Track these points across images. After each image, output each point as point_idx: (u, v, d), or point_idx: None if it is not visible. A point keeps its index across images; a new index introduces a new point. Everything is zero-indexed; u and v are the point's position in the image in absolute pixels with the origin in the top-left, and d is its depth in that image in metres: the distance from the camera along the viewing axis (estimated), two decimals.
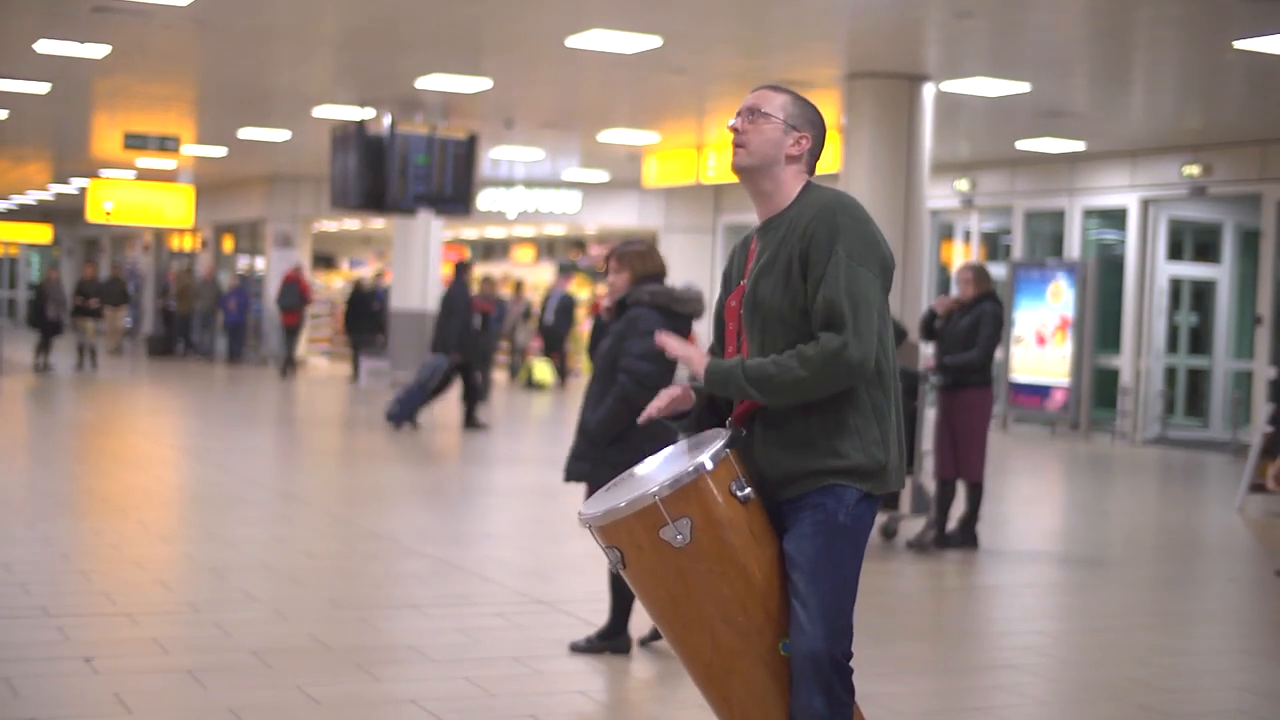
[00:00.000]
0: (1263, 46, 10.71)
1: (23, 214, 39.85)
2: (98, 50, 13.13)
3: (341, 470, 12.14)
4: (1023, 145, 17.21)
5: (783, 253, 3.28)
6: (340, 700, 5.00)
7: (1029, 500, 12.17)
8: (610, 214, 25.69)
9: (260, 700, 4.94)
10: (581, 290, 25.12)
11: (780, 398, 3.23)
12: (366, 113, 16.07)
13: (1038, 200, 18.64)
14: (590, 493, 5.43)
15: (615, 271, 5.70)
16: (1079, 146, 17.12)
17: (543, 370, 22.44)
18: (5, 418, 15.31)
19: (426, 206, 16.40)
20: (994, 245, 20.11)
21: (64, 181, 28.96)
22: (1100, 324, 17.61)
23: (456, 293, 15.04)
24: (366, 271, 28.11)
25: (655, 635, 5.79)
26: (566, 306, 22.95)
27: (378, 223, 28.00)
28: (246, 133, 19.46)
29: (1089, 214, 18.13)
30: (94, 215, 25.46)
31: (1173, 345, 17.96)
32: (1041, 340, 17.51)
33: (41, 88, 15.68)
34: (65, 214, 38.65)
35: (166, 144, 19.29)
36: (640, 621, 5.90)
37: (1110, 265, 17.87)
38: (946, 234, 20.49)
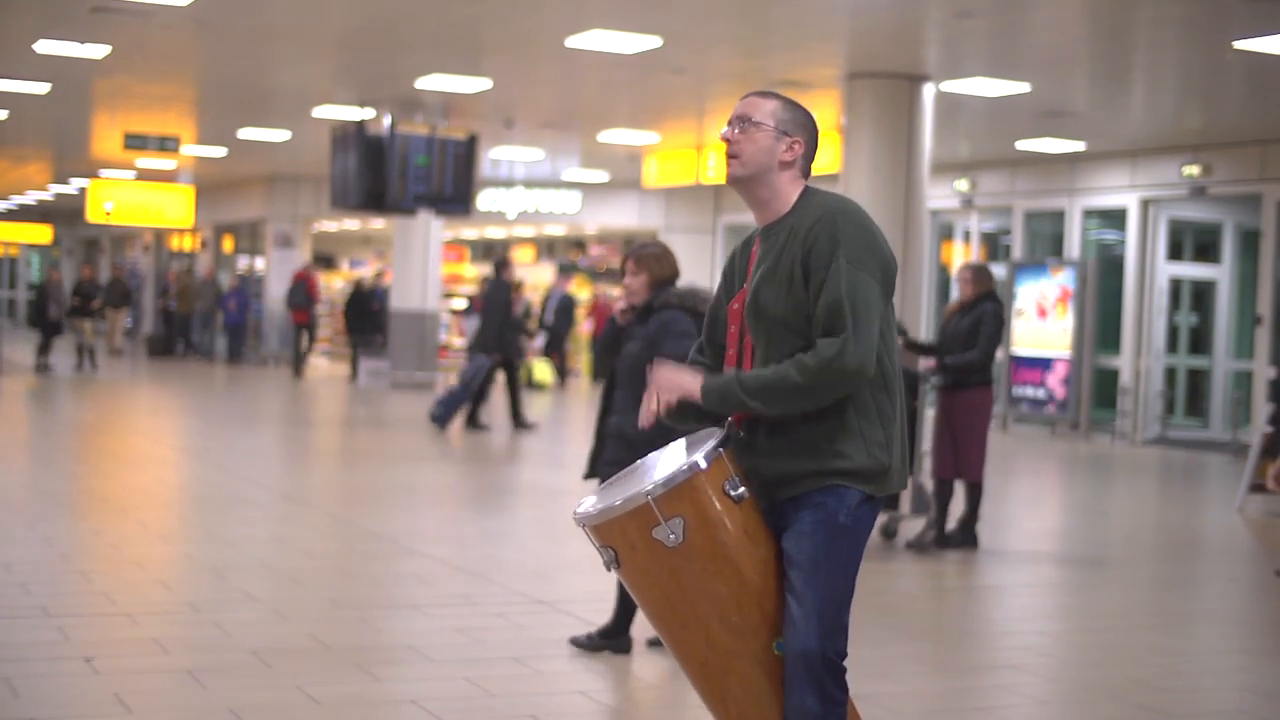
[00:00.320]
0: (1263, 46, 10.71)
1: (23, 214, 39.85)
2: (97, 50, 13.13)
3: (341, 470, 12.14)
4: (1023, 145, 17.21)
5: (784, 260, 3.28)
6: (340, 700, 5.00)
7: (1029, 500, 12.17)
8: (610, 214, 25.69)
9: (260, 700, 4.94)
10: (581, 290, 25.11)
11: (781, 407, 3.22)
12: (366, 113, 16.07)
13: (1038, 200, 18.64)
14: None
15: (633, 274, 5.71)
16: (1079, 146, 17.13)
17: (542, 370, 22.44)
18: (5, 418, 15.31)
19: (426, 207, 16.40)
20: (994, 245, 20.11)
21: (64, 181, 28.96)
22: (1100, 324, 17.62)
23: (496, 291, 15.04)
24: (366, 271, 28.11)
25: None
26: (566, 307, 22.95)
27: (378, 223, 28.00)
28: (246, 133, 19.46)
29: (1089, 214, 18.14)
30: (94, 215, 25.46)
31: (1173, 345, 17.96)
32: (1043, 312, 17.54)
33: (41, 88, 15.69)
34: (65, 214, 38.65)
35: (166, 144, 19.30)
36: (647, 623, 5.89)
37: (1110, 265, 17.88)
38: (946, 234, 20.49)
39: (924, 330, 17.11)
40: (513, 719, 4.91)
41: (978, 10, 10.29)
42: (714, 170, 18.92)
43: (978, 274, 8.77)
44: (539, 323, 23.44)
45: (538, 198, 25.28)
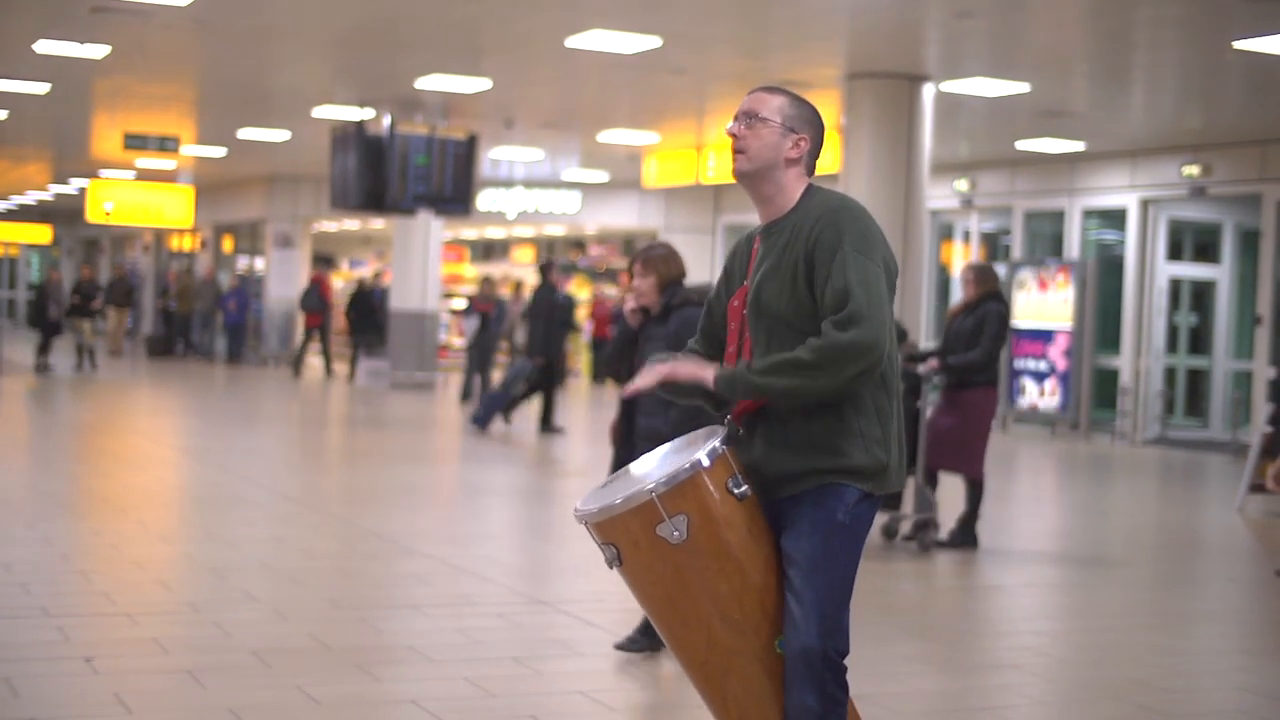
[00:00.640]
0: (1263, 46, 10.71)
1: (23, 214, 39.85)
2: (97, 50, 13.13)
3: (341, 470, 12.14)
4: (1022, 145, 17.21)
5: (787, 258, 3.27)
6: (340, 700, 5.00)
7: (1029, 500, 12.17)
8: (610, 214, 25.69)
9: (260, 700, 4.94)
10: (581, 291, 25.11)
11: (790, 389, 3.18)
12: (366, 113, 16.07)
13: (1037, 200, 18.64)
14: None
15: (641, 275, 5.75)
16: (1079, 147, 17.13)
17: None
18: (5, 418, 15.31)
19: (426, 207, 16.40)
20: (994, 245, 20.11)
21: (64, 182, 28.97)
22: (1100, 324, 17.62)
23: (543, 295, 15.05)
24: (366, 271, 28.13)
25: None
26: (566, 307, 22.91)
27: (378, 223, 28.00)
28: (246, 133, 19.47)
29: (1089, 214, 18.14)
30: (94, 215, 25.47)
31: (1172, 345, 17.97)
32: (1044, 285, 17.55)
33: (41, 88, 15.69)
34: (65, 214, 38.66)
35: (166, 144, 19.30)
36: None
37: (1110, 265, 17.88)
38: (946, 234, 20.49)
39: (923, 331, 17.11)
40: (513, 719, 4.91)
41: (978, 10, 10.29)
42: (714, 170, 18.92)
43: (980, 274, 8.75)
44: None
45: (537, 198, 25.28)
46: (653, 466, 3.33)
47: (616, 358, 5.96)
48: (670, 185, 20.98)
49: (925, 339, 17.72)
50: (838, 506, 3.23)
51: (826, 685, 3.19)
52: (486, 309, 18.82)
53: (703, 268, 23.73)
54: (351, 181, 16.00)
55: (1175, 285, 17.86)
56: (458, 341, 24.62)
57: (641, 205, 25.21)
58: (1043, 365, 17.46)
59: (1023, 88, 13.09)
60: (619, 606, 6.45)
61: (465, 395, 18.72)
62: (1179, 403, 18.15)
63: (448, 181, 16.20)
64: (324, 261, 26.98)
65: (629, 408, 5.84)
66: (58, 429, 14.91)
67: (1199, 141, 16.32)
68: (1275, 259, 15.81)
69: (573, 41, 11.84)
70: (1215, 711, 5.52)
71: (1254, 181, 16.15)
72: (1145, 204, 17.31)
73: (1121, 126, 15.69)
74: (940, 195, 18.84)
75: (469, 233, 29.83)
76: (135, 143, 19.03)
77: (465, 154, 16.30)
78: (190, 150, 21.55)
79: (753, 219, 3.46)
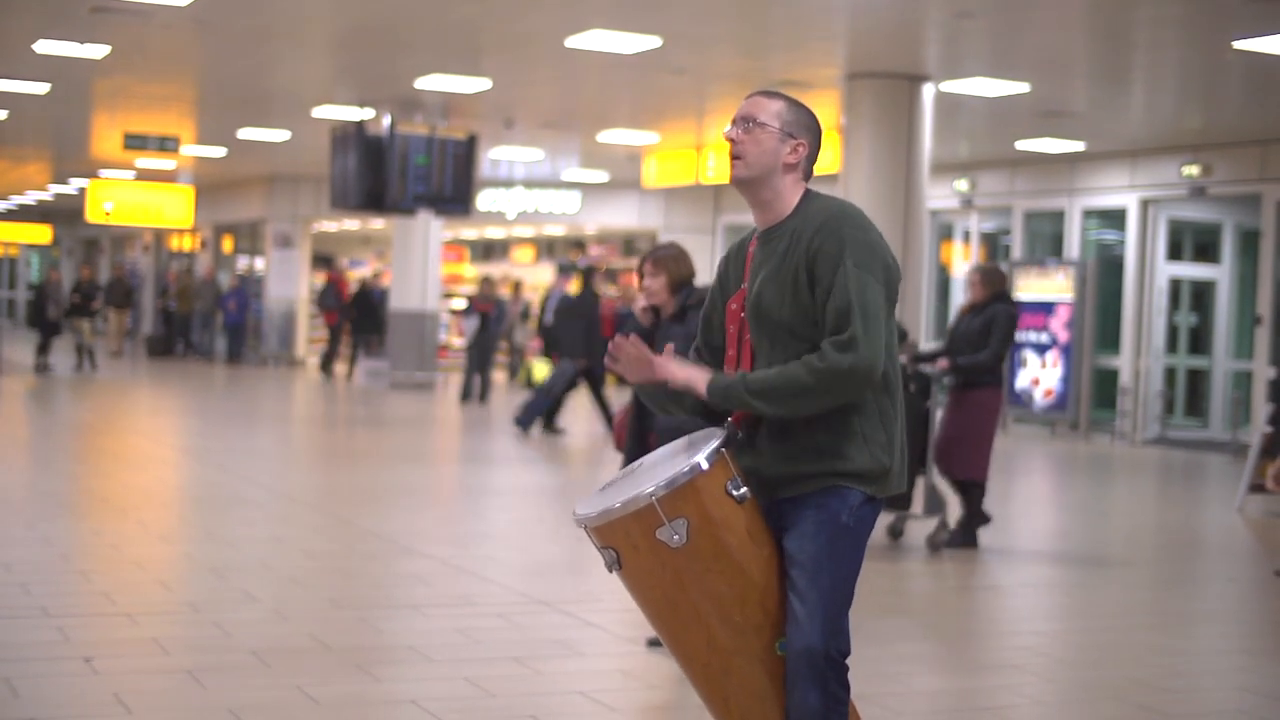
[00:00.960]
0: (1263, 46, 10.71)
1: (22, 214, 39.85)
2: (97, 50, 13.13)
3: (342, 470, 12.13)
4: (1022, 145, 17.21)
5: (787, 265, 3.27)
6: (340, 700, 5.00)
7: (1029, 500, 12.16)
8: (610, 214, 25.69)
9: (260, 700, 4.93)
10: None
11: (785, 408, 3.21)
12: (366, 113, 16.07)
13: (1037, 200, 18.64)
14: None
15: (652, 275, 5.79)
16: (1079, 147, 17.13)
17: (542, 370, 22.42)
18: (5, 418, 15.31)
19: (426, 207, 16.41)
20: (994, 245, 20.11)
21: (64, 182, 28.97)
22: (1100, 324, 17.62)
23: (585, 296, 15.04)
24: (365, 271, 28.13)
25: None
26: (566, 307, 22.91)
27: (377, 223, 28.00)
28: (246, 133, 19.46)
29: (1089, 214, 18.14)
30: (94, 215, 25.47)
31: (1172, 345, 17.97)
32: (1043, 263, 17.64)
33: (41, 88, 15.69)
34: (65, 214, 38.65)
35: (166, 144, 19.30)
36: (647, 623, 5.89)
37: (1110, 265, 17.88)
38: (946, 234, 20.49)
39: (923, 331, 17.12)
40: (512, 719, 4.91)
41: (978, 10, 10.29)
42: (714, 170, 18.92)
43: (986, 276, 8.73)
44: (538, 323, 23.44)
45: (537, 198, 25.28)
46: (651, 470, 3.33)
47: None
48: (670, 185, 20.99)
49: (925, 339, 17.73)
50: (841, 508, 3.24)
51: (829, 685, 3.19)
52: (486, 309, 18.84)
53: (703, 268, 23.64)
54: (351, 181, 16.00)
55: (1175, 285, 17.87)
56: (457, 341, 24.64)
57: (641, 205, 25.21)
58: (1044, 338, 17.44)
59: (1022, 88, 13.09)
60: (619, 606, 6.45)
61: (465, 395, 18.72)
62: (1179, 403, 18.15)
63: (448, 181, 16.20)
64: (325, 261, 27.03)
65: (641, 406, 5.85)
66: (58, 429, 14.91)
67: (1199, 141, 16.33)
68: (1275, 259, 15.82)
69: (573, 41, 11.84)
70: (1215, 711, 5.52)
71: (1254, 181, 16.15)
72: (1145, 204, 17.31)
73: (1121, 126, 15.69)
74: (940, 195, 18.84)
75: (469, 233, 29.83)
76: (135, 143, 19.03)
77: (465, 154, 16.30)
78: (190, 150, 21.55)
79: (753, 218, 3.45)
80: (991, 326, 8.51)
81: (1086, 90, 13.74)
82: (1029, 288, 17.55)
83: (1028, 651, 6.35)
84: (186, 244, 32.26)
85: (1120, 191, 17.53)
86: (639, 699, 5.41)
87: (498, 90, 14.76)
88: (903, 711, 5.19)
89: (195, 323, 27.87)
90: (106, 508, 9.20)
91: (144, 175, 25.79)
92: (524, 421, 14.72)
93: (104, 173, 25.63)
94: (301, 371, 24.25)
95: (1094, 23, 10.84)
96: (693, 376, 3.32)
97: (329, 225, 29.34)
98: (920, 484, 8.60)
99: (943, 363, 8.59)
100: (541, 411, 14.85)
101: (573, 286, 24.45)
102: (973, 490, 8.69)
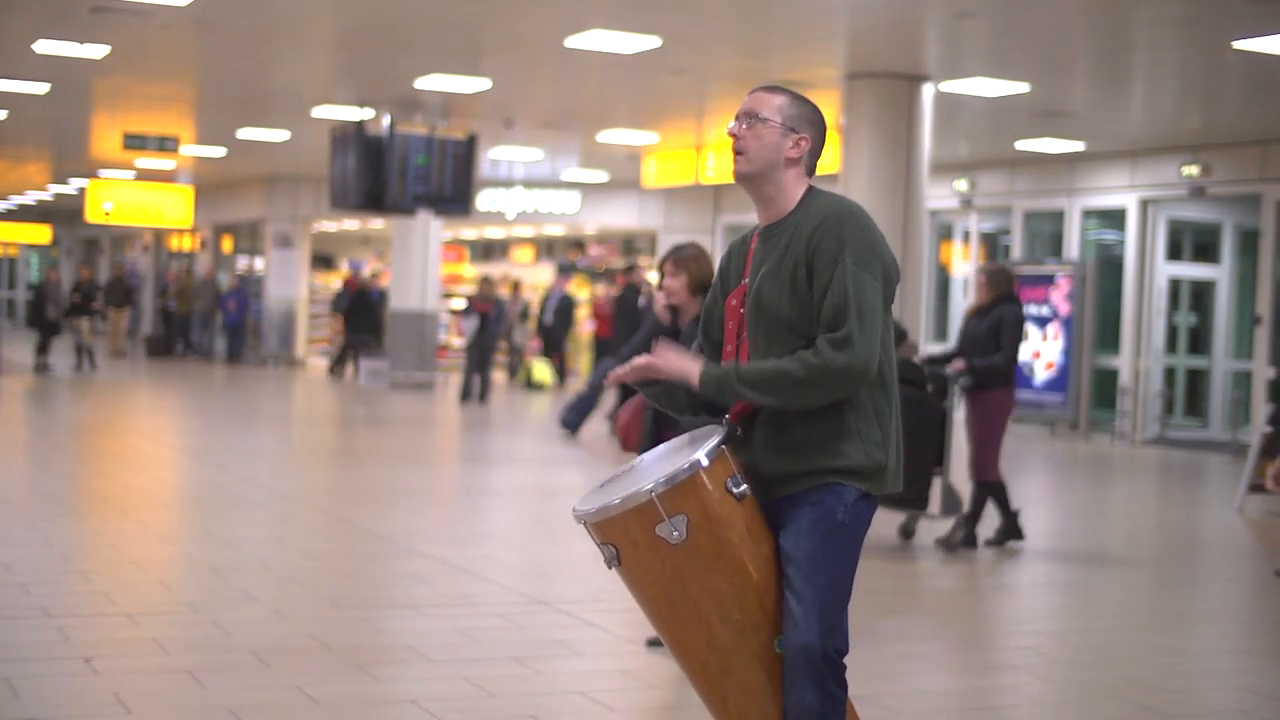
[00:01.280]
0: (1263, 46, 10.71)
1: (22, 214, 39.85)
2: (97, 50, 13.13)
3: (342, 470, 12.13)
4: (1022, 145, 17.22)
5: (787, 260, 3.27)
6: (340, 700, 5.00)
7: (1029, 500, 12.15)
8: (610, 214, 25.70)
9: (260, 700, 4.94)
10: (581, 290, 25.12)
11: (777, 401, 3.22)
12: (366, 113, 16.08)
13: (1037, 200, 18.64)
14: None
15: (673, 275, 5.81)
16: (1078, 147, 17.13)
17: (542, 370, 22.45)
18: (5, 418, 15.31)
19: (426, 207, 16.41)
20: (993, 246, 20.11)
21: (63, 182, 28.97)
22: (1100, 324, 17.62)
23: (628, 296, 15.04)
24: (365, 271, 28.14)
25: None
26: (565, 307, 22.96)
27: (377, 223, 28.01)
28: (246, 133, 19.47)
29: (1088, 214, 18.14)
30: (93, 215, 25.47)
31: (1172, 345, 17.97)
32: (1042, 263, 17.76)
33: (41, 88, 15.69)
34: (65, 214, 38.65)
35: (166, 144, 19.30)
36: (647, 622, 5.90)
37: (1109, 265, 17.88)
38: (946, 234, 20.50)
39: (923, 331, 17.11)
40: (513, 719, 4.91)
41: (977, 10, 10.29)
42: (713, 170, 18.92)
43: (991, 277, 8.70)
44: (538, 323, 23.46)
45: (537, 198, 25.29)
46: (651, 466, 3.33)
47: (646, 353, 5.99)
48: (670, 185, 20.99)
49: (924, 339, 17.72)
50: (837, 506, 3.24)
51: (826, 683, 3.19)
52: (486, 309, 18.84)
53: None
54: (351, 181, 16.01)
55: (1175, 285, 17.87)
56: (457, 341, 24.64)
57: (641, 205, 25.21)
58: (1045, 310, 17.41)
59: (1022, 88, 13.09)
60: (619, 606, 6.46)
61: (465, 395, 18.73)
62: (1179, 403, 18.15)
63: (447, 181, 16.20)
64: (325, 262, 27.05)
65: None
66: (58, 429, 14.91)
67: (1199, 141, 16.33)
68: (1275, 259, 15.82)
69: (572, 41, 11.84)
70: (1215, 711, 5.52)
71: (1254, 181, 16.15)
72: (1145, 204, 17.32)
73: (1121, 126, 15.69)
74: (940, 195, 18.84)
75: (468, 233, 29.84)
76: (135, 143, 19.03)
77: (465, 154, 16.31)
78: (190, 150, 21.55)
79: (752, 218, 3.45)
80: (1000, 329, 8.50)
81: (1086, 90, 13.74)
82: (1030, 262, 17.62)
83: (1028, 651, 6.35)
84: (186, 244, 32.26)
85: (1120, 191, 17.53)
86: (639, 699, 5.41)
87: (497, 90, 14.76)
88: (902, 711, 5.19)
89: (195, 323, 27.88)
90: (106, 508, 9.19)
91: (144, 175, 25.79)
92: (572, 423, 14.66)
93: (104, 173, 25.63)
94: (301, 371, 24.25)
95: (1094, 23, 10.84)
96: (686, 367, 3.33)
97: (329, 225, 29.35)
98: (937, 484, 8.59)
99: (959, 364, 8.57)
100: (590, 411, 14.78)
101: (572, 285, 24.59)
102: (995, 491, 8.64)
